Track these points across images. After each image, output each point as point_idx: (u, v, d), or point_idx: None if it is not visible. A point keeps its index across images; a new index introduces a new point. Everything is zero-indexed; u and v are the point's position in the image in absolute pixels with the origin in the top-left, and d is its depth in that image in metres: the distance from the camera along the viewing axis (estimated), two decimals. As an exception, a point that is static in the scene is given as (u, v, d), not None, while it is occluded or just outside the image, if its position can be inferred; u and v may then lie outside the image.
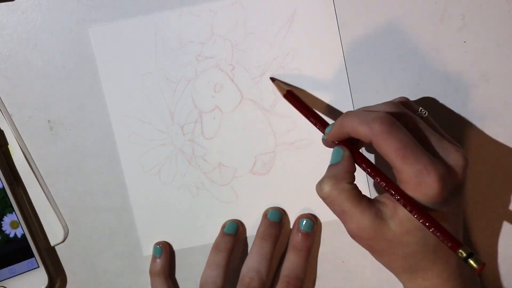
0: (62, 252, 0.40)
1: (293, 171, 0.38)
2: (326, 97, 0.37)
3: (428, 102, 0.37)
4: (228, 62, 0.37)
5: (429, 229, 0.27)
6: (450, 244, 0.27)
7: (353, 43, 0.37)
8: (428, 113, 0.32)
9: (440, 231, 0.27)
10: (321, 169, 0.37)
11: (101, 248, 0.40)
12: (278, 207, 0.38)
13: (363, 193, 0.30)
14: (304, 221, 0.37)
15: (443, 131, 0.32)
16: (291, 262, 0.36)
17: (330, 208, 0.30)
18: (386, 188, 0.29)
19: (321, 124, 0.33)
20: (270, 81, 0.37)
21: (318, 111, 0.34)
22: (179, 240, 0.39)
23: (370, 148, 0.37)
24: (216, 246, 0.38)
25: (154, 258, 0.39)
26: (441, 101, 0.37)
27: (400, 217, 0.29)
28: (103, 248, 0.40)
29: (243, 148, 0.38)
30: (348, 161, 0.30)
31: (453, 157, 0.29)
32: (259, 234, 0.37)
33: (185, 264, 0.40)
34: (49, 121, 0.39)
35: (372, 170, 0.30)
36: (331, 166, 0.31)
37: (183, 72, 0.37)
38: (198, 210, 0.39)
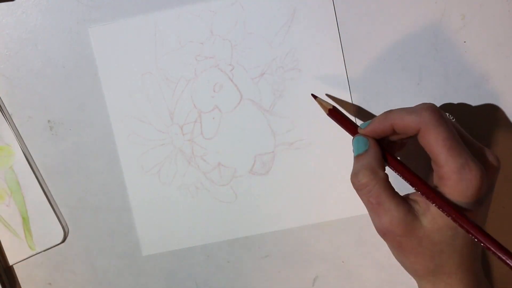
0: (62, 252, 0.40)
1: (293, 171, 0.38)
2: (325, 97, 0.37)
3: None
4: (228, 62, 0.37)
5: (473, 234, 0.26)
6: (504, 255, 0.25)
7: (353, 43, 0.37)
8: (455, 119, 0.32)
9: (491, 241, 0.26)
10: (321, 169, 0.38)
11: (101, 248, 0.40)
12: None
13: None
14: None
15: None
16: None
17: (365, 199, 0.29)
18: (419, 186, 0.28)
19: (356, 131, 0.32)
20: (312, 98, 0.35)
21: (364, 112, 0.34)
22: (178, 240, 0.39)
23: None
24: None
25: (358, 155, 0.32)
26: (440, 101, 0.37)
27: (432, 214, 0.28)
28: (103, 248, 0.40)
29: (243, 148, 0.38)
30: (377, 148, 0.30)
31: (488, 158, 0.29)
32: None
33: (185, 264, 0.40)
34: (49, 121, 0.39)
35: (403, 166, 0.29)
36: (360, 156, 0.30)
37: (182, 72, 0.37)
38: (197, 210, 0.39)
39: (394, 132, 0.30)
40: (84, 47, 0.38)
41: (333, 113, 0.33)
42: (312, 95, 0.35)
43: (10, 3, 0.38)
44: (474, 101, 0.37)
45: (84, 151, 0.39)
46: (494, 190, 0.30)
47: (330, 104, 0.34)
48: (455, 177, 0.27)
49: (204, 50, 0.37)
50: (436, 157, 0.28)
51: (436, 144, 0.27)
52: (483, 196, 0.28)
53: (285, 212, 0.38)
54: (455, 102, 0.37)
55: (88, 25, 0.37)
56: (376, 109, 0.37)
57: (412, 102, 0.37)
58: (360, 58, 0.37)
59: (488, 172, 0.28)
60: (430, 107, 0.28)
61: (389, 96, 0.37)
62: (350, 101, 0.37)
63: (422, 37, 0.36)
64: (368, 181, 0.29)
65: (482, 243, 0.26)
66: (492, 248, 0.26)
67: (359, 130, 0.31)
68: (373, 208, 0.29)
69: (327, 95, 0.37)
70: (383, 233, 0.29)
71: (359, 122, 0.37)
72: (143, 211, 0.39)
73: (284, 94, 0.37)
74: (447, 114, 0.32)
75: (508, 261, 0.25)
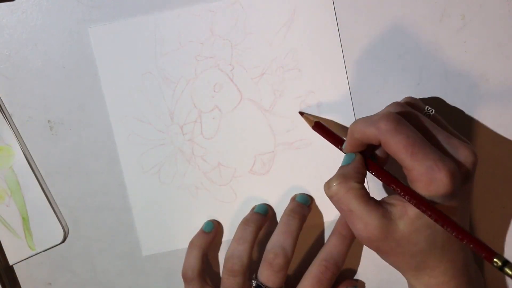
0: (62, 252, 0.40)
1: (293, 171, 0.38)
2: (326, 98, 0.37)
3: (426, 103, 0.37)
4: (228, 62, 0.37)
5: (452, 233, 0.27)
6: (484, 254, 0.26)
7: (353, 43, 0.37)
8: (434, 111, 0.32)
9: (467, 237, 0.26)
10: (321, 169, 0.38)
11: (101, 248, 0.40)
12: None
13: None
14: None
15: (452, 128, 0.32)
16: (333, 247, 0.35)
17: (337, 207, 0.30)
18: (398, 189, 0.29)
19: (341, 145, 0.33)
20: (299, 115, 0.37)
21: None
22: (178, 240, 0.39)
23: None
24: (245, 221, 0.37)
25: (202, 231, 0.38)
26: (440, 101, 0.37)
27: (410, 216, 0.29)
28: (103, 248, 0.40)
29: (243, 148, 0.38)
30: (359, 162, 0.31)
31: (462, 153, 0.29)
32: (287, 212, 0.36)
33: (185, 264, 0.40)
34: (49, 121, 0.39)
35: (381, 173, 0.30)
36: (341, 167, 0.31)
37: (182, 72, 0.37)
38: (197, 210, 0.39)
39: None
40: (84, 47, 0.38)
41: (316, 128, 0.35)
42: (299, 112, 0.37)
43: (10, 3, 0.38)
44: (474, 101, 0.37)
45: (84, 151, 0.39)
46: (474, 182, 0.31)
47: (315, 118, 0.36)
48: (424, 178, 0.27)
49: (204, 50, 0.37)
50: (402, 163, 0.28)
51: (398, 152, 0.28)
52: (457, 193, 0.28)
53: (285, 212, 0.38)
54: (455, 102, 0.37)
55: (88, 25, 0.37)
56: (376, 110, 0.37)
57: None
58: (360, 58, 0.37)
59: (462, 166, 0.29)
60: (385, 116, 0.28)
61: (389, 96, 0.37)
62: (350, 101, 0.37)
63: (422, 37, 0.36)
64: (338, 189, 0.30)
65: (454, 234, 0.27)
66: (462, 238, 0.26)
67: (342, 150, 0.33)
68: (346, 216, 0.30)
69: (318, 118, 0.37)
70: (360, 238, 0.30)
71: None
72: (143, 211, 0.39)
73: (284, 94, 0.37)
74: (426, 107, 0.32)
75: (482, 252, 0.26)
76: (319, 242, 0.39)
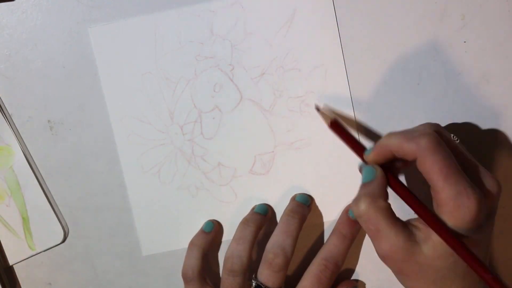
0: (62, 252, 0.40)
1: (293, 171, 0.38)
2: (326, 98, 0.37)
3: (426, 103, 0.37)
4: (228, 62, 0.37)
5: (468, 262, 0.27)
6: (495, 285, 0.26)
7: (353, 43, 0.37)
8: (460, 140, 0.32)
9: (482, 268, 0.27)
10: (321, 169, 0.38)
11: (101, 248, 0.40)
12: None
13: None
14: None
15: (475, 158, 0.32)
16: (332, 246, 0.35)
17: (365, 227, 0.30)
18: (420, 212, 0.29)
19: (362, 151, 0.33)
20: (315, 110, 0.36)
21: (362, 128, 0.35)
22: (178, 240, 0.39)
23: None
24: (244, 221, 0.37)
25: (202, 231, 0.38)
26: (440, 101, 0.37)
27: (433, 242, 0.28)
28: (103, 248, 0.40)
29: (243, 148, 0.38)
30: (382, 178, 0.30)
31: (488, 183, 0.29)
32: (286, 212, 0.36)
33: (185, 264, 0.40)
34: (49, 121, 0.39)
35: (405, 191, 0.30)
36: (365, 185, 0.31)
37: (182, 72, 0.37)
38: (197, 210, 0.39)
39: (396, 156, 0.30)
40: (84, 47, 0.38)
41: (334, 126, 0.34)
42: (316, 107, 0.36)
43: (10, 3, 0.38)
44: (474, 101, 0.37)
45: (84, 151, 0.39)
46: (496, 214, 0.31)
47: (332, 115, 0.34)
48: (452, 203, 0.27)
49: (204, 50, 0.37)
50: (433, 184, 0.28)
51: (432, 172, 0.28)
52: (482, 223, 0.28)
53: (285, 212, 0.38)
54: (455, 102, 0.37)
55: (88, 25, 0.37)
56: (376, 110, 0.37)
57: (412, 102, 0.37)
58: (360, 58, 0.37)
59: (487, 197, 0.29)
60: (428, 134, 0.28)
61: (389, 96, 0.37)
62: (350, 101, 0.37)
63: (422, 37, 0.36)
64: (367, 209, 0.29)
65: (477, 272, 0.27)
66: (486, 279, 0.26)
67: (365, 158, 0.32)
68: (372, 235, 0.30)
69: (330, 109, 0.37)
70: (384, 258, 0.30)
71: (362, 129, 0.37)
72: (143, 211, 0.39)
73: (284, 94, 0.37)
74: (452, 135, 0.32)
75: None
76: (319, 242, 0.39)
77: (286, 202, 0.38)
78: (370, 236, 0.30)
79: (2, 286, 0.40)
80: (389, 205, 0.30)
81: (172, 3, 0.37)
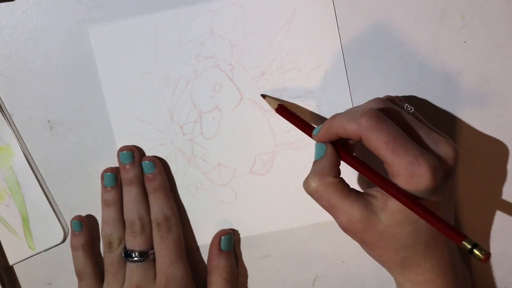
0: (62, 252, 0.40)
1: (293, 171, 0.38)
2: (326, 98, 0.37)
3: (426, 103, 0.37)
4: (228, 62, 0.37)
5: (426, 220, 0.27)
6: (453, 236, 0.26)
7: (353, 43, 0.37)
8: (414, 109, 0.32)
9: (439, 222, 0.27)
10: (321, 169, 0.37)
11: (101, 248, 0.40)
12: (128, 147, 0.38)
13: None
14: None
15: (432, 125, 0.32)
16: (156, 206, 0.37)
17: (319, 203, 0.31)
18: (375, 181, 0.29)
19: (311, 131, 0.33)
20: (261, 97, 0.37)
21: (315, 116, 0.35)
22: (178, 240, 0.39)
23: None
24: (105, 203, 0.38)
25: (73, 232, 0.39)
26: (440, 101, 0.37)
27: (390, 210, 0.29)
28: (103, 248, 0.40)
29: (243, 148, 0.38)
30: (331, 155, 0.31)
31: (443, 148, 0.29)
32: (124, 181, 0.38)
33: (185, 264, 0.40)
34: (49, 121, 0.39)
35: (358, 163, 0.30)
36: (315, 162, 0.31)
37: (182, 72, 0.37)
38: (197, 210, 0.39)
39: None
40: (84, 47, 0.38)
41: (280, 111, 0.35)
42: (261, 95, 0.37)
43: (10, 3, 0.38)
44: (474, 101, 0.37)
45: (84, 151, 0.39)
46: (458, 176, 0.32)
47: (278, 102, 0.35)
48: (405, 173, 0.27)
49: (204, 50, 0.37)
50: (383, 159, 0.28)
51: (379, 148, 0.28)
52: (439, 187, 0.28)
53: (285, 212, 0.38)
54: (455, 102, 0.37)
55: (88, 25, 0.37)
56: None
57: (412, 102, 0.37)
58: (360, 58, 0.37)
59: (442, 161, 0.29)
60: (367, 112, 0.28)
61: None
62: (350, 101, 0.37)
63: (422, 37, 0.36)
64: (317, 186, 0.30)
65: (439, 230, 0.27)
66: (449, 235, 0.27)
67: (312, 137, 0.32)
68: (329, 211, 0.30)
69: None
70: (345, 230, 0.30)
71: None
72: (143, 211, 0.39)
73: (284, 94, 0.37)
74: (406, 105, 0.32)
75: (451, 236, 0.26)
76: (314, 244, 0.39)
77: (285, 202, 0.38)
78: (327, 211, 0.31)
79: (2, 286, 0.40)
80: (340, 179, 0.30)
81: (172, 3, 0.37)
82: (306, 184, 0.31)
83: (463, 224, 0.38)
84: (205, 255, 0.39)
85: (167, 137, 0.38)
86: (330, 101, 0.37)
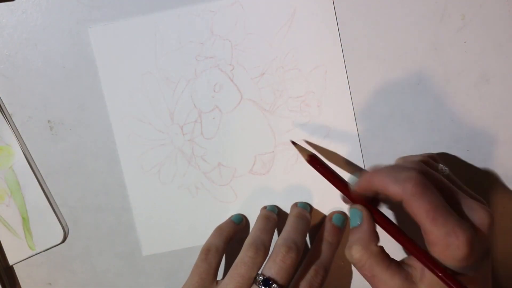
0: (62, 252, 0.40)
1: (293, 171, 0.38)
2: (326, 98, 0.37)
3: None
4: (228, 62, 0.37)
5: None
6: None
7: (353, 43, 0.37)
8: (449, 170, 0.32)
9: None
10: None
11: (101, 248, 0.40)
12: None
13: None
14: (336, 216, 0.37)
15: (466, 186, 0.32)
16: (321, 253, 0.36)
17: (360, 272, 0.30)
18: (412, 251, 0.29)
19: (343, 187, 0.32)
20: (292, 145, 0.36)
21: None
22: (178, 240, 0.39)
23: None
24: (264, 216, 0.37)
25: (231, 221, 0.38)
26: (440, 101, 0.37)
27: (429, 280, 0.28)
28: (103, 248, 0.40)
29: (243, 148, 0.38)
30: (370, 221, 0.31)
31: (479, 215, 0.29)
32: (294, 214, 0.36)
33: (185, 264, 0.40)
34: (49, 121, 0.39)
35: (396, 231, 0.30)
36: (354, 230, 0.31)
37: (182, 72, 0.37)
38: (197, 210, 0.39)
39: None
40: (84, 47, 0.38)
41: (314, 162, 0.34)
42: (292, 142, 0.36)
43: (10, 3, 0.38)
44: (474, 101, 0.37)
45: (84, 151, 0.39)
46: (493, 243, 0.31)
47: (309, 151, 0.34)
48: (441, 243, 0.27)
49: (204, 50, 0.37)
50: (421, 226, 0.28)
51: (419, 215, 0.27)
52: (477, 259, 0.28)
53: (285, 212, 0.38)
54: (455, 102, 0.37)
55: (88, 25, 0.37)
56: (376, 110, 0.37)
57: (412, 102, 0.37)
58: (360, 58, 0.37)
59: (478, 232, 0.28)
60: (414, 178, 0.28)
61: (389, 96, 0.37)
62: (350, 101, 0.37)
63: (422, 37, 0.36)
64: (361, 256, 0.30)
65: None
66: None
67: (350, 189, 0.32)
68: (369, 280, 0.30)
69: (306, 142, 0.37)
70: None
71: (359, 123, 0.37)
72: (143, 211, 0.39)
73: (284, 94, 0.37)
74: (440, 166, 0.32)
75: None
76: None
77: (285, 202, 0.38)
78: (367, 281, 0.30)
79: (2, 286, 0.40)
80: (382, 248, 0.30)
81: (172, 3, 0.37)
82: (349, 254, 0.30)
83: None
84: (205, 255, 0.39)
85: (167, 137, 0.38)
86: (330, 101, 0.37)
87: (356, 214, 0.31)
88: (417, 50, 0.36)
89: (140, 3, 0.37)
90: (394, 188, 0.28)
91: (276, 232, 0.38)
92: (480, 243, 0.28)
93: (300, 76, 0.37)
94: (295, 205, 0.38)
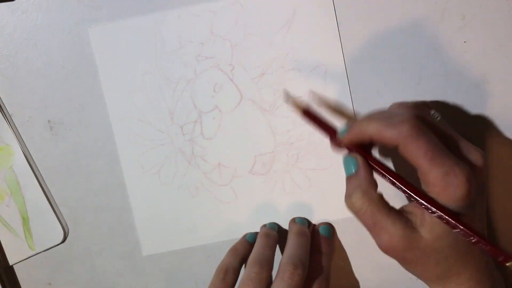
0: (62, 252, 0.40)
1: (293, 171, 0.38)
2: (325, 98, 0.37)
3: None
4: (228, 62, 0.37)
5: (466, 238, 0.27)
6: (501, 257, 0.26)
7: (353, 43, 0.37)
8: (440, 116, 0.32)
9: (484, 240, 0.26)
10: (321, 169, 0.38)
11: (101, 248, 0.40)
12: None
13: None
14: (323, 227, 0.37)
15: (456, 131, 0.32)
16: (318, 266, 0.35)
17: (361, 221, 0.30)
18: (413, 197, 0.28)
19: (335, 134, 0.31)
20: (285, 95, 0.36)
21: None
22: (178, 240, 0.39)
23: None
24: (265, 233, 0.37)
25: (245, 240, 0.38)
26: (440, 101, 0.37)
27: (429, 223, 0.28)
28: (103, 248, 0.40)
29: (243, 148, 0.38)
30: (366, 167, 0.30)
31: (472, 156, 0.29)
32: (295, 231, 0.36)
33: (185, 264, 0.40)
34: (49, 121, 0.39)
35: (394, 176, 0.29)
36: (350, 178, 0.30)
37: (182, 72, 0.37)
38: (197, 210, 0.39)
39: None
40: (84, 47, 0.38)
41: (308, 114, 0.33)
42: (285, 91, 0.36)
43: (10, 3, 0.38)
44: (474, 101, 0.37)
45: (84, 151, 0.39)
46: (488, 189, 0.30)
47: (304, 104, 0.33)
48: (441, 183, 0.27)
49: (204, 50, 0.37)
50: (419, 168, 0.28)
51: (417, 157, 0.27)
52: (474, 198, 0.28)
53: (285, 212, 0.38)
54: (455, 102, 0.37)
55: (88, 25, 0.37)
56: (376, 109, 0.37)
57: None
58: (360, 58, 0.37)
59: (475, 168, 0.28)
60: (408, 119, 0.28)
61: (389, 96, 0.37)
62: (350, 101, 0.37)
63: (422, 37, 0.36)
64: (361, 203, 0.29)
65: (476, 243, 0.27)
66: (487, 250, 0.26)
67: (339, 139, 0.31)
68: (370, 229, 0.29)
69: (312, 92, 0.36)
70: (385, 250, 0.29)
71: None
72: (143, 211, 0.39)
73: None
74: (432, 111, 0.31)
75: (502, 259, 0.26)
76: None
77: (285, 202, 0.38)
78: (368, 230, 0.30)
79: (2, 286, 0.40)
80: (381, 194, 0.29)
81: (172, 3, 0.37)
82: (350, 201, 0.30)
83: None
84: (205, 255, 0.39)
85: (167, 137, 0.38)
86: (330, 101, 0.37)
87: (350, 162, 0.30)
88: (417, 50, 0.36)
89: (140, 3, 0.37)
90: (390, 132, 0.28)
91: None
92: (476, 182, 0.28)
93: (300, 76, 0.37)
94: (293, 221, 0.38)
